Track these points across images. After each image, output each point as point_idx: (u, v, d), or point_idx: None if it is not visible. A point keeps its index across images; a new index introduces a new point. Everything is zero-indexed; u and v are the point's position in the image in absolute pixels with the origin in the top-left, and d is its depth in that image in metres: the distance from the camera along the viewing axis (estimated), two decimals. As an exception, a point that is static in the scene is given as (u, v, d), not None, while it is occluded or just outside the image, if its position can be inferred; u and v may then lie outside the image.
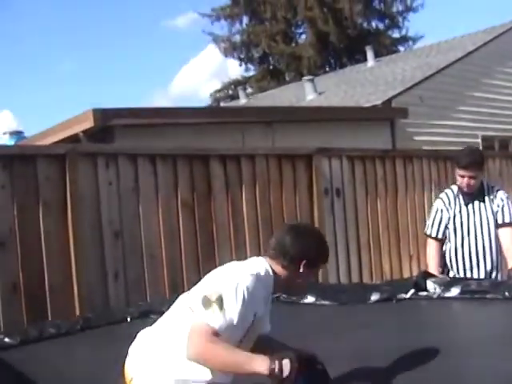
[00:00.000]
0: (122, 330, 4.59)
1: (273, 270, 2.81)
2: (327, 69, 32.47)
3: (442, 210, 5.40)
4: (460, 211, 5.32)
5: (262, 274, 2.75)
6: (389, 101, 12.75)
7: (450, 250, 5.39)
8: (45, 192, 5.64)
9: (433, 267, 5.40)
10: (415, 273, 7.50)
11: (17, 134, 10.09)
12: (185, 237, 6.43)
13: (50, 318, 5.45)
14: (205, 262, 6.41)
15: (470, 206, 5.30)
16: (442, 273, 5.40)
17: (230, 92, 35.38)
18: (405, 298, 4.95)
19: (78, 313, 5.59)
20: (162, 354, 2.70)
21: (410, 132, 12.55)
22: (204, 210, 6.60)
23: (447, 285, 4.93)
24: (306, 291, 2.87)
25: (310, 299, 5.19)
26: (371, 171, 8.23)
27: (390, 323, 4.60)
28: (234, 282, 2.63)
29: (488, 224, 5.28)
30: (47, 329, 4.82)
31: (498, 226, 5.29)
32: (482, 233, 5.28)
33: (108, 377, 3.34)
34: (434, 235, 5.44)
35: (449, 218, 5.35)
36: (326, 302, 5.11)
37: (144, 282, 6.12)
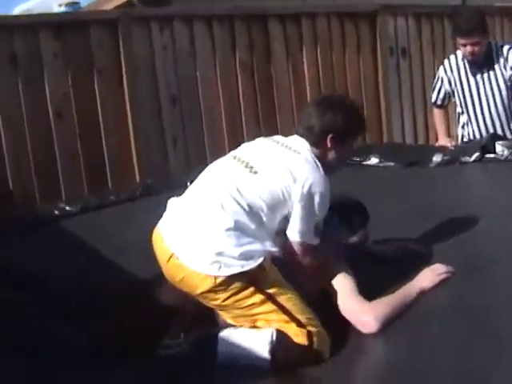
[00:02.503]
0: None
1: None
2: None
3: (442, 79, 5.05)
4: (468, 81, 4.90)
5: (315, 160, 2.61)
6: None
7: (465, 122, 5.10)
8: (99, 59, 5.53)
9: (442, 134, 5.25)
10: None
11: (73, 4, 9.81)
12: (244, 100, 6.31)
13: (110, 187, 5.47)
14: (265, 124, 6.31)
15: (478, 75, 4.85)
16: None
17: None
18: (469, 161, 4.84)
19: (137, 180, 5.56)
20: (212, 225, 2.49)
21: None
22: (263, 72, 6.43)
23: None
24: (340, 169, 2.68)
25: (373, 160, 5.11)
26: (439, 30, 7.85)
27: (454, 183, 4.57)
28: (319, 194, 2.52)
29: (500, 92, 4.82)
30: (107, 196, 4.80)
31: None
32: (494, 102, 4.85)
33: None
34: (438, 103, 5.17)
35: (451, 85, 4.98)
36: (390, 163, 5.03)
37: (204, 147, 6.07)
